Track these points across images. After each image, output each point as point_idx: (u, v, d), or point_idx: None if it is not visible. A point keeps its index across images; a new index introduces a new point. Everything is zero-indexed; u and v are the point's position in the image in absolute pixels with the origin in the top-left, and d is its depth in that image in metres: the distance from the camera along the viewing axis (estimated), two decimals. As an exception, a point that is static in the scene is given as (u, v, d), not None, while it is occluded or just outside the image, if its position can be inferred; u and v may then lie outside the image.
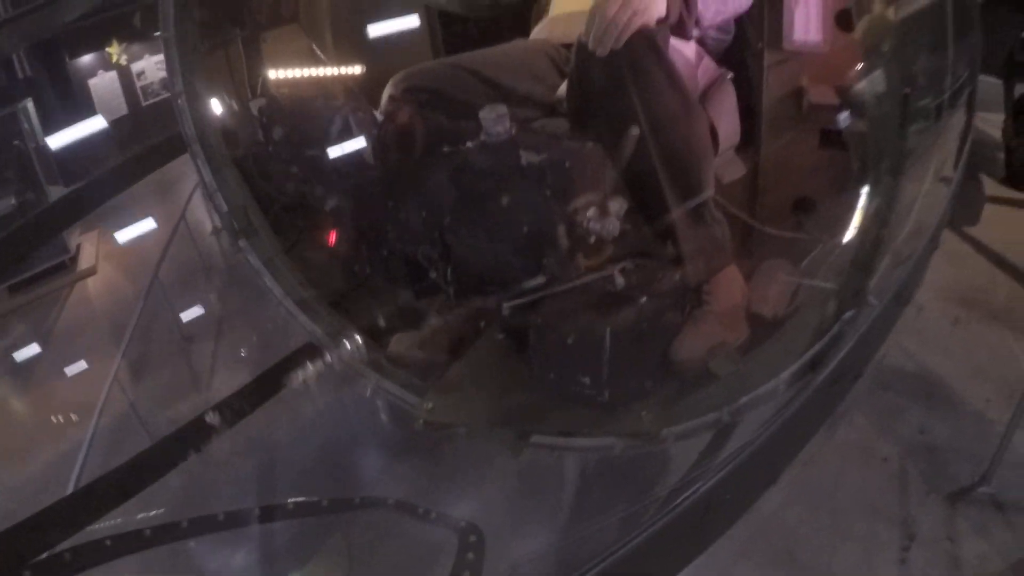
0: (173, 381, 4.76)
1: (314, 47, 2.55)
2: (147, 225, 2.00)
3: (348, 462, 3.10)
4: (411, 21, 1.66)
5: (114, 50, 7.13)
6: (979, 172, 5.53)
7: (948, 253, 4.61)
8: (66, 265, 5.89)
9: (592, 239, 1.59)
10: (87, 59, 7.17)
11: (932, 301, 4.23)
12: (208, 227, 5.87)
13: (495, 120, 1.57)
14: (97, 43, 7.05)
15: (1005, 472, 3.18)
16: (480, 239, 1.62)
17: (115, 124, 6.73)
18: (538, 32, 2.35)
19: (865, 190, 1.84)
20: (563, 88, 2.04)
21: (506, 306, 1.63)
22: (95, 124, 1.94)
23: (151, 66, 7.38)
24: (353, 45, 2.64)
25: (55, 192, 5.77)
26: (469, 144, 1.61)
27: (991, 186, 5.45)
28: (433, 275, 1.70)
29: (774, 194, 2.27)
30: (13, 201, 5.41)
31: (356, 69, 2.56)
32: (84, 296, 5.72)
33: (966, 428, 3.59)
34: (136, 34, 6.98)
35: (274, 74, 2.39)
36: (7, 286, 5.59)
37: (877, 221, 1.76)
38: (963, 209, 5.06)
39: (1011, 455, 3.18)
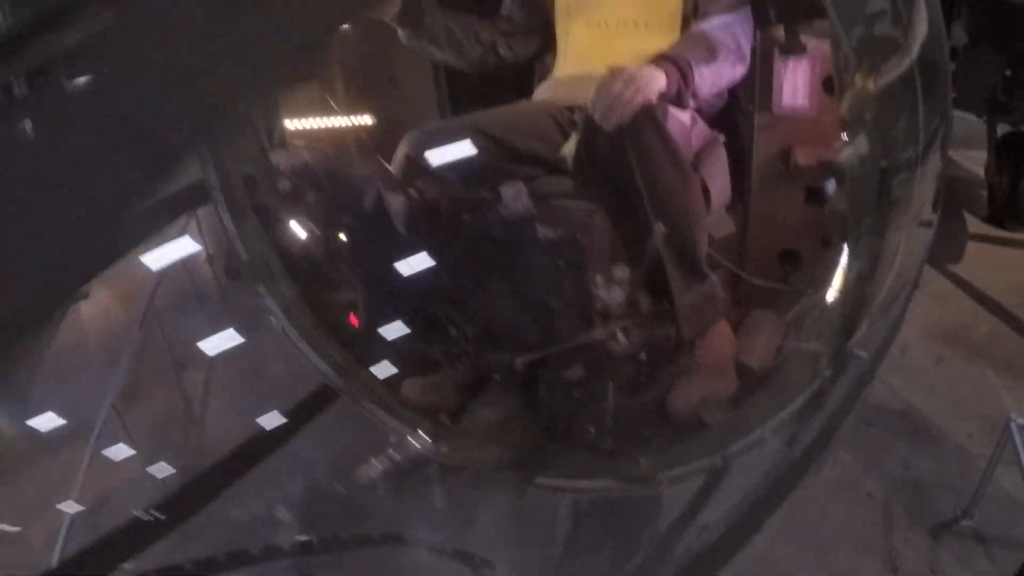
0: (167, 409, 4.87)
1: (328, 98, 2.74)
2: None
3: (352, 497, 3.22)
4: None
5: None
6: (962, 210, 5.76)
7: (931, 291, 4.83)
8: (58, 289, 5.98)
9: (599, 305, 1.81)
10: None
11: (916, 339, 4.43)
12: (202, 254, 6.01)
13: (515, 197, 1.78)
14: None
15: (987, 506, 3.36)
16: (498, 302, 1.82)
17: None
18: (541, 92, 2.55)
19: (846, 254, 2.05)
20: (566, 147, 2.24)
21: (519, 361, 1.84)
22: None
23: (147, 92, 7.57)
24: (364, 96, 2.84)
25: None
26: (489, 214, 1.81)
27: (973, 224, 5.69)
28: (453, 332, 1.89)
29: (762, 248, 2.47)
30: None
31: (367, 119, 2.76)
32: (76, 318, 5.81)
33: (949, 463, 3.77)
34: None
35: (291, 124, 2.58)
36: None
37: (859, 283, 1.96)
38: (946, 247, 5.28)
39: (993, 489, 3.34)
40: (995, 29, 5.25)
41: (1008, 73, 5.51)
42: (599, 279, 1.80)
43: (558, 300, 1.80)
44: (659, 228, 1.86)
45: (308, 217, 2.12)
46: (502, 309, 1.84)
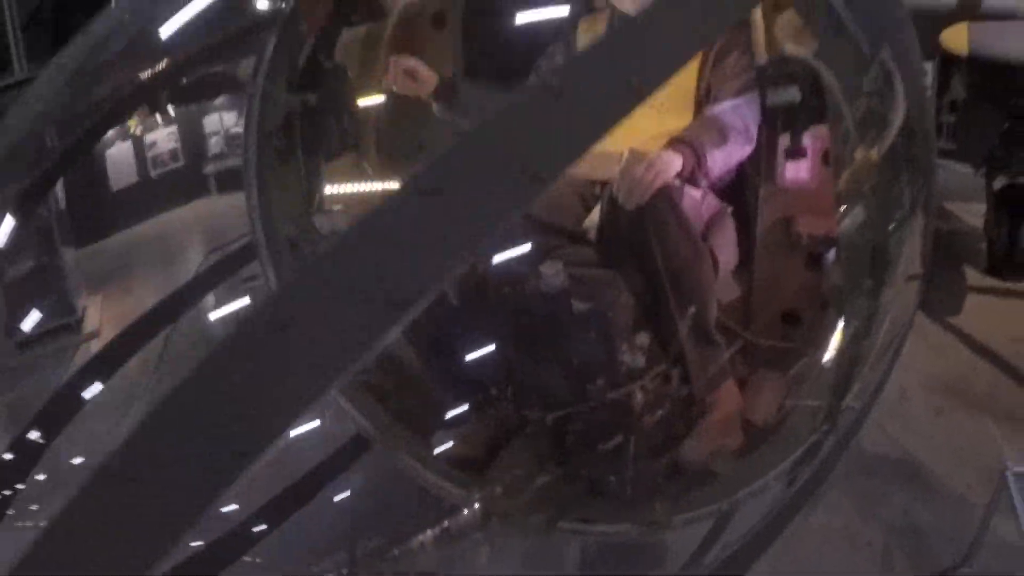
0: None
1: (365, 164, 3.06)
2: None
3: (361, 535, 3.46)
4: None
5: (132, 121, 7.59)
6: (961, 262, 6.07)
7: (931, 343, 5.14)
8: (72, 326, 6.27)
9: (623, 368, 2.13)
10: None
11: (915, 389, 4.72)
12: (212, 300, 6.30)
13: (553, 275, 2.10)
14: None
15: (985, 554, 3.63)
16: (536, 366, 2.14)
17: (126, 192, 7.20)
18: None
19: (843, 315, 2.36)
20: (589, 219, 2.57)
21: (550, 418, 2.15)
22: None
23: (163, 137, 7.90)
24: (395, 163, 3.17)
25: (68, 254, 6.20)
26: (529, 288, 2.13)
27: (972, 276, 5.99)
28: (494, 391, 2.21)
29: (765, 310, 2.77)
30: (32, 264, 5.84)
31: (398, 185, 3.08)
32: (88, 358, 6.07)
33: (948, 512, 4.04)
34: (155, 106, 7.47)
35: (330, 189, 2.90)
36: (16, 342, 5.96)
37: (855, 342, 2.27)
38: (946, 299, 5.58)
39: (991, 538, 3.62)
40: (993, 84, 5.54)
41: (1006, 127, 5.80)
42: (624, 347, 2.13)
43: (588, 365, 2.12)
44: (674, 299, 2.19)
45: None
46: (539, 372, 2.16)
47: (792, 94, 2.21)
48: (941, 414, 4.68)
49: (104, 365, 2.52)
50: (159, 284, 6.68)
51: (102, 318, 6.80)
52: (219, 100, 8.16)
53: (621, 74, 0.78)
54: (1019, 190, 5.96)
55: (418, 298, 0.74)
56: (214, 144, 8.90)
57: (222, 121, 8.84)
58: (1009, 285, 5.90)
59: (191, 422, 0.70)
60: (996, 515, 3.56)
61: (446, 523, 2.09)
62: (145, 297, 6.65)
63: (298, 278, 0.77)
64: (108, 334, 6.53)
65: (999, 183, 6.00)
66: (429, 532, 2.08)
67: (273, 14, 2.48)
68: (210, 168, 8.78)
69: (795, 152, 2.29)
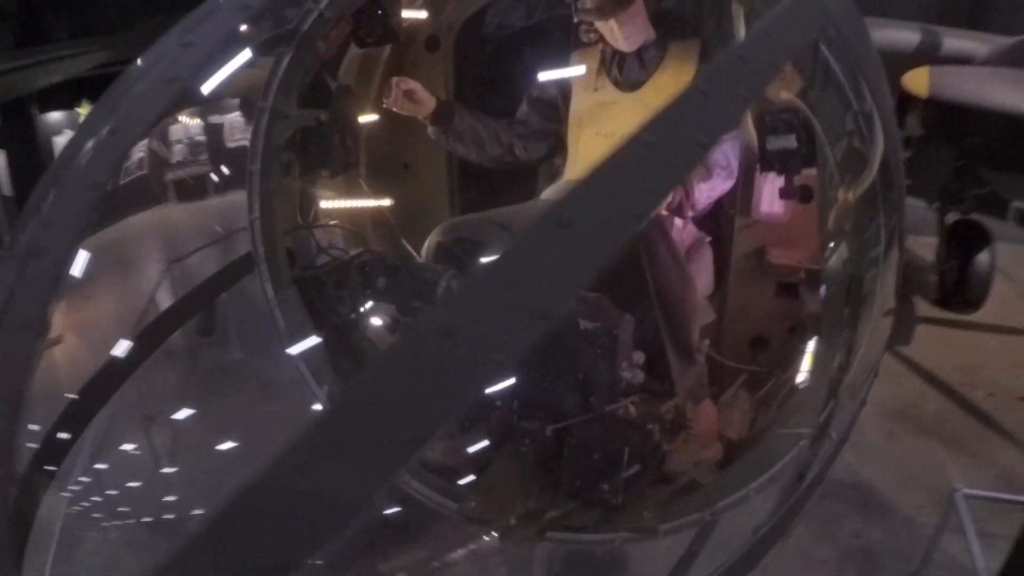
0: (135, 460, 5.15)
1: (361, 181, 3.21)
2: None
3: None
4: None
5: (83, 110, 7.48)
6: (912, 294, 6.41)
7: (883, 371, 5.38)
8: (34, 333, 6.21)
9: (623, 384, 2.31)
10: (56, 116, 7.72)
11: (868, 416, 4.96)
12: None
13: (561, 296, 2.26)
14: (67, 102, 7.48)
15: (935, 572, 3.85)
16: (540, 380, 2.30)
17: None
18: (552, 192, 3.07)
19: (826, 346, 2.53)
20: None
21: (550, 429, 2.31)
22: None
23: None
24: (383, 180, 3.34)
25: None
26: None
27: (921, 307, 6.32)
28: (499, 403, 2.36)
29: (736, 334, 2.99)
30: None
31: (388, 201, 3.26)
32: (50, 364, 6.04)
33: (899, 532, 4.28)
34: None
35: (326, 204, 3.04)
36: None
37: (838, 373, 2.45)
38: (897, 329, 5.86)
39: (940, 556, 3.85)
40: (949, 124, 5.83)
41: (959, 164, 6.12)
42: (624, 363, 2.31)
43: (592, 380, 2.30)
44: (663, 320, 2.38)
45: (370, 298, 2.57)
46: (543, 386, 2.32)
47: (790, 141, 2.39)
48: (892, 438, 4.95)
49: (112, 377, 2.61)
50: (120, 292, 6.69)
51: (64, 325, 6.76)
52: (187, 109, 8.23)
53: (692, 132, 0.96)
54: (970, 225, 6.31)
55: (556, 311, 0.91)
56: (177, 152, 9.00)
57: (187, 130, 8.93)
58: (957, 316, 6.22)
59: (368, 413, 0.85)
60: (945, 534, 3.78)
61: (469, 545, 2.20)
62: (106, 304, 6.66)
63: (459, 293, 0.93)
64: (70, 341, 6.50)
65: (951, 218, 6.33)
66: (451, 553, 2.18)
67: (288, 32, 2.59)
68: (170, 176, 8.87)
69: (790, 193, 2.49)
